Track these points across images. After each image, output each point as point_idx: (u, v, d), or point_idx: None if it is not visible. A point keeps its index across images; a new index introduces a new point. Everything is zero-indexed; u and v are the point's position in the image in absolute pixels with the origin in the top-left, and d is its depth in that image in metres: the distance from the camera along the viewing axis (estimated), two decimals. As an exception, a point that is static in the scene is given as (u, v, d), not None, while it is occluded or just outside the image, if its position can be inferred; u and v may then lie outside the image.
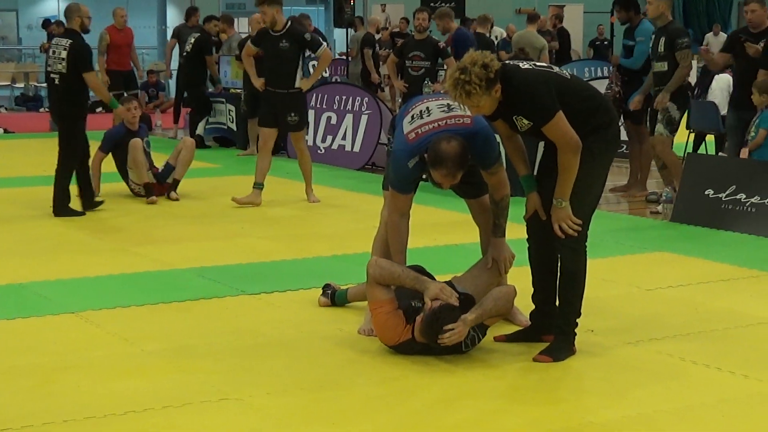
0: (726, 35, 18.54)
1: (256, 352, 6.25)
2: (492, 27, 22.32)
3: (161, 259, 8.68)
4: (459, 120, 6.25)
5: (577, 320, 6.21)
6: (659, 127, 10.97)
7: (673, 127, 10.97)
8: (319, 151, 15.35)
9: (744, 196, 10.06)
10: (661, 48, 10.88)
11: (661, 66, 10.92)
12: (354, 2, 21.78)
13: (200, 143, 16.95)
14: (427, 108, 6.36)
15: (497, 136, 6.29)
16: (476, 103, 5.79)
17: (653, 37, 11.11)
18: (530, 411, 5.34)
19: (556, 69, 6.22)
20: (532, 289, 6.42)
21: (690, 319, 6.96)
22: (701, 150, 13.97)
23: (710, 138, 13.96)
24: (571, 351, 6.16)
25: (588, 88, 6.31)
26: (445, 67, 13.56)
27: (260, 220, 10.60)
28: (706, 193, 10.33)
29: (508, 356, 6.13)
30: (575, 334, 6.21)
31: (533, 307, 6.44)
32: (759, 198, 9.95)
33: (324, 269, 8.31)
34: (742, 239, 9.69)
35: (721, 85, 14.10)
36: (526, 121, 5.91)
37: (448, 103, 6.25)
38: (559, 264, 6.21)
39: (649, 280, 8.03)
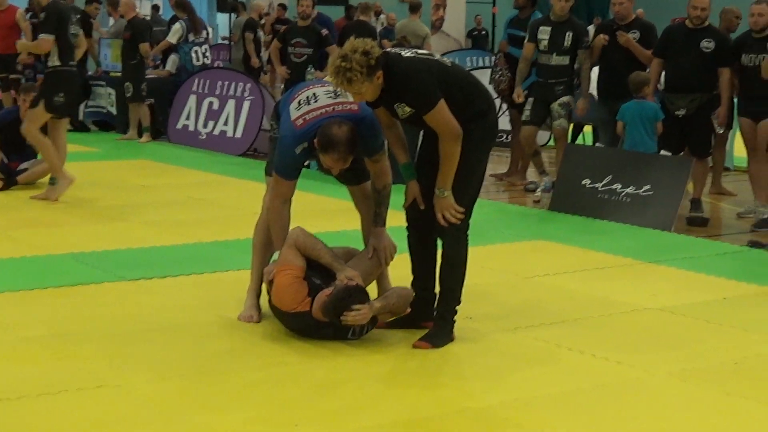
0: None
1: (135, 338, 6.19)
2: (379, 15, 22.39)
3: (37, 244, 8.54)
4: (346, 106, 6.27)
5: (457, 308, 6.27)
6: (562, 121, 11.14)
7: (571, 119, 11.24)
8: (200, 137, 15.26)
9: (620, 186, 10.26)
10: (567, 42, 11.03)
11: (562, 60, 11.06)
12: (236, -13, 21.70)
13: (80, 126, 16.79)
14: (314, 94, 6.37)
15: None
16: (358, 89, 5.81)
17: (549, 29, 11.18)
18: (409, 396, 5.39)
19: (437, 57, 6.27)
20: (412, 276, 6.47)
21: (566, 307, 7.08)
22: (579, 141, 14.22)
23: (588, 129, 14.19)
24: (449, 338, 6.22)
25: (468, 75, 6.37)
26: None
27: (139, 205, 10.50)
28: (584, 182, 10.51)
29: (388, 343, 6.16)
30: (454, 322, 6.27)
31: None
32: (634, 188, 10.15)
33: (204, 255, 8.28)
34: (617, 228, 9.87)
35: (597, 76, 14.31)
36: (408, 109, 5.94)
37: (334, 90, 6.25)
38: (440, 251, 6.26)
39: (527, 267, 8.14)
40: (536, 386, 5.57)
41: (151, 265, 7.92)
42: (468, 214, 6.16)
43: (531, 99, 11.32)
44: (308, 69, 13.47)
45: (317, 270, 6.23)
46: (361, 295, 6.02)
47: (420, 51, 6.30)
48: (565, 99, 11.12)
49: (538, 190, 11.47)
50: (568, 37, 11.05)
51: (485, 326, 6.54)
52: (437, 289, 6.34)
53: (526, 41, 11.48)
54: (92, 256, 8.14)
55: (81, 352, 5.89)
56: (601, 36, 11.00)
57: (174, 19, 16.88)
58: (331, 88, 6.31)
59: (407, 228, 6.40)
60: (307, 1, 13.72)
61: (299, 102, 6.36)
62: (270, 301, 6.31)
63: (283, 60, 13.85)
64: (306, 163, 6.46)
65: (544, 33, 11.18)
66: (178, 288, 7.34)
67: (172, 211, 10.32)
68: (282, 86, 14.39)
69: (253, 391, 5.41)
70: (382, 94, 5.96)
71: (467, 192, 6.14)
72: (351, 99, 6.17)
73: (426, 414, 5.15)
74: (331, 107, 6.27)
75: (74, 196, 10.68)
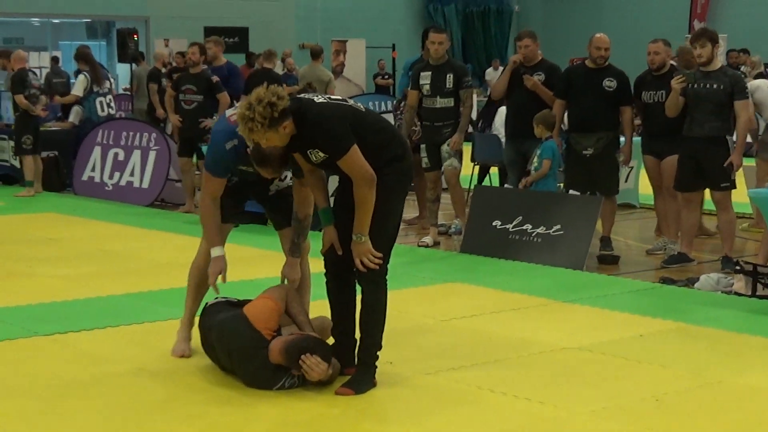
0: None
1: (52, 394, 6.09)
2: (285, 60, 22.39)
3: (-55, 301, 8.39)
4: None
5: (378, 353, 6.26)
6: (452, 161, 11.19)
7: (461, 159, 11.29)
8: (106, 188, 15.11)
9: (530, 227, 10.35)
10: (449, 84, 11.11)
11: (447, 102, 11.14)
12: (137, 37, 21.59)
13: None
14: None
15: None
16: (259, 138, 5.83)
17: (430, 74, 11.26)
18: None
19: (350, 102, 6.27)
20: (332, 323, 6.46)
21: (485, 348, 7.11)
22: (485, 182, 14.33)
23: (494, 170, 14.31)
24: (372, 383, 6.21)
25: (381, 120, 6.36)
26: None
27: (48, 258, 10.35)
28: (494, 224, 10.58)
29: (310, 391, 6.12)
30: (376, 367, 6.26)
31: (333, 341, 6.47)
32: (544, 228, 10.25)
33: (119, 307, 8.19)
34: (530, 268, 9.95)
35: (504, 118, 14.44)
36: (321, 154, 5.94)
37: None
38: (359, 297, 6.26)
39: (444, 310, 8.17)
40: (457, 428, 5.58)
41: (65, 319, 7.80)
42: (386, 259, 6.16)
43: (423, 145, 11.40)
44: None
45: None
46: (326, 352, 6.03)
47: (333, 97, 6.31)
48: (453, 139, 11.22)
49: (450, 232, 11.56)
50: (449, 78, 11.16)
51: (406, 370, 6.53)
52: (358, 335, 6.33)
53: (409, 89, 11.57)
54: (3, 312, 8.00)
55: (-1, 411, 5.78)
56: (528, 77, 11.03)
57: (78, 72, 16.71)
58: None
59: (325, 275, 6.36)
60: (193, 48, 13.72)
61: (235, 106, 6.39)
62: (241, 307, 6.35)
63: (177, 108, 13.78)
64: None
65: (425, 78, 11.27)
66: (95, 341, 7.23)
67: (82, 263, 10.17)
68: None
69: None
70: (295, 140, 5.95)
71: (384, 236, 6.14)
72: None
73: (354, 461, 5.14)
74: None
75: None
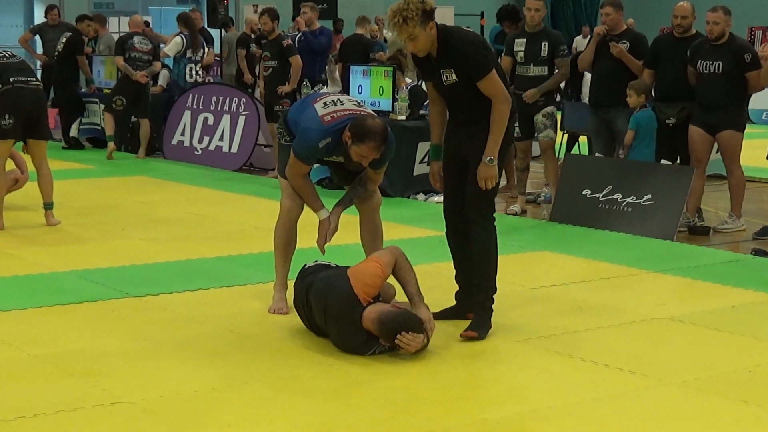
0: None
1: (145, 355, 6.17)
2: (382, 26, 22.36)
3: (41, 262, 8.51)
4: (371, 114, 6.77)
5: (493, 296, 6.58)
6: (549, 132, 11.09)
7: (556, 129, 11.24)
8: (196, 152, 15.23)
9: (620, 196, 10.26)
10: (543, 52, 11.00)
11: (541, 70, 11.00)
12: (228, 2, 21.68)
13: (75, 144, 16.78)
14: (339, 99, 6.84)
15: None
16: (412, 31, 6.23)
17: (524, 41, 11.17)
18: (427, 412, 5.38)
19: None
20: (455, 270, 6.85)
21: (575, 317, 7.07)
22: (574, 150, 14.22)
23: (583, 139, 14.19)
24: (489, 326, 6.53)
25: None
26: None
27: (140, 221, 10.47)
28: (584, 193, 10.51)
29: (401, 357, 6.13)
30: (492, 310, 6.57)
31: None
32: (635, 198, 10.15)
33: (209, 271, 8.26)
34: (619, 238, 9.86)
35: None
36: (454, 77, 6.37)
37: (358, 101, 6.89)
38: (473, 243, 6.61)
39: (533, 279, 8.14)
40: (551, 397, 5.56)
41: (157, 281, 7.89)
42: (492, 202, 6.60)
43: (516, 115, 11.28)
44: (304, 83, 13.47)
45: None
46: (419, 325, 6.06)
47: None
48: (548, 110, 11.11)
49: (539, 201, 11.52)
50: (544, 47, 11.03)
51: (497, 338, 6.52)
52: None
53: (503, 55, 11.46)
54: (97, 274, 8.11)
55: (93, 369, 5.86)
56: (614, 44, 10.88)
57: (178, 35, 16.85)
58: (354, 99, 6.98)
59: (445, 225, 6.82)
60: (264, 18, 13.86)
61: (325, 103, 6.74)
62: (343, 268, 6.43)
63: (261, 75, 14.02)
64: (323, 183, 6.76)
65: (520, 45, 11.15)
66: (186, 304, 7.31)
67: (172, 227, 10.27)
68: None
69: (266, 405, 5.39)
70: (432, 58, 6.40)
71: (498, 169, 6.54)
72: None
73: (444, 425, 5.14)
74: (358, 111, 6.70)
75: (74, 213, 10.66)
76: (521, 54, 11.11)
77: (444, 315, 6.77)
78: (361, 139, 6.43)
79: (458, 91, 6.44)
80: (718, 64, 10.00)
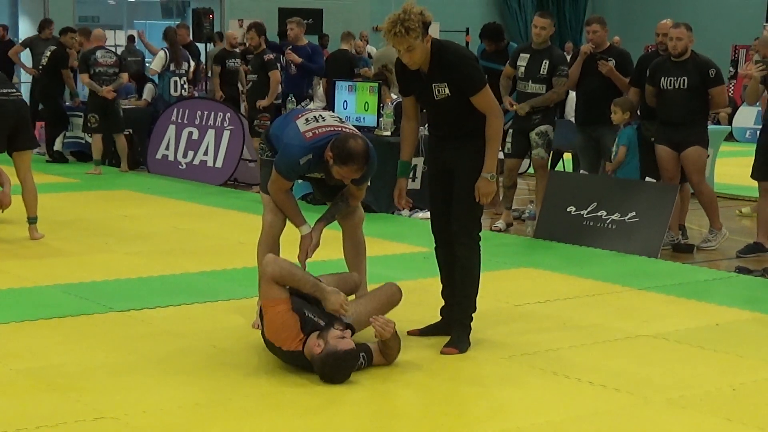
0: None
1: (129, 370, 6.14)
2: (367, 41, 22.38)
3: (24, 276, 8.48)
4: (353, 131, 6.74)
5: (473, 314, 6.64)
6: (539, 151, 11.07)
7: (550, 149, 11.24)
8: (180, 167, 15.21)
9: (605, 213, 10.28)
10: (543, 71, 10.99)
11: (539, 88, 10.98)
12: (213, 17, 21.66)
13: (59, 157, 16.73)
14: (321, 115, 6.81)
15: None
16: (412, 42, 6.25)
17: (528, 57, 11.17)
18: (410, 428, 5.37)
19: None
20: (442, 285, 6.85)
21: (559, 334, 7.07)
22: (559, 167, 14.25)
23: (567, 156, 14.23)
24: (468, 342, 6.58)
25: None
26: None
27: (123, 236, 10.44)
28: (568, 209, 10.52)
29: (383, 369, 6.12)
30: (471, 328, 6.62)
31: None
32: (619, 215, 10.17)
33: (193, 285, 8.24)
34: (603, 255, 9.88)
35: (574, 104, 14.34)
36: (446, 91, 6.37)
37: (340, 117, 6.90)
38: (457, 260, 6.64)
39: (517, 295, 8.13)
40: (535, 414, 5.55)
41: (140, 295, 7.87)
42: (479, 222, 6.62)
43: (510, 131, 11.30)
44: (288, 98, 13.48)
45: (304, 296, 6.19)
46: (352, 362, 5.96)
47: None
48: (542, 128, 11.10)
49: (523, 217, 11.51)
50: (545, 65, 11.03)
51: (480, 355, 6.52)
52: None
53: (507, 65, 11.48)
54: (80, 288, 8.08)
55: (76, 384, 5.83)
56: (603, 62, 10.91)
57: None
58: (335, 115, 6.94)
59: (435, 240, 6.81)
60: (250, 33, 13.91)
61: (307, 119, 6.73)
62: (263, 334, 6.24)
63: None
64: (307, 198, 6.73)
65: (523, 60, 11.17)
66: (169, 318, 7.29)
67: (156, 241, 10.25)
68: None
69: (250, 421, 5.37)
70: (422, 73, 6.40)
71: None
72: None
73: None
74: (340, 127, 6.69)
75: (57, 226, 10.62)
76: (522, 69, 11.12)
77: (429, 331, 6.81)
78: (344, 162, 6.39)
79: (449, 105, 6.44)
80: (683, 80, 9.97)
